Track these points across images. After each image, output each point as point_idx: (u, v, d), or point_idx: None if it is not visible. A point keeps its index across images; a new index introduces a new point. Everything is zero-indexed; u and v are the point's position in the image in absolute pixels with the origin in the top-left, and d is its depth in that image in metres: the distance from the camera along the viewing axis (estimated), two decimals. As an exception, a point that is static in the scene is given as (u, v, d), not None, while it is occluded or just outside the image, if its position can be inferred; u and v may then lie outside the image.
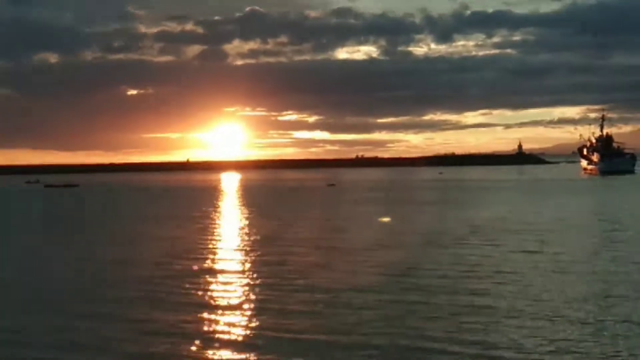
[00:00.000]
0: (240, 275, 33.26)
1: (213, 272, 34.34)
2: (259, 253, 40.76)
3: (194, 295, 28.65)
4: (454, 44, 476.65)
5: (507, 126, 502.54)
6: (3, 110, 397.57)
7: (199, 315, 25.05)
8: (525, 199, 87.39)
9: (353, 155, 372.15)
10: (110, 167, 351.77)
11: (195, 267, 35.70)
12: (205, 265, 36.85)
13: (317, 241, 46.33)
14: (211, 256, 39.99)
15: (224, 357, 20.36)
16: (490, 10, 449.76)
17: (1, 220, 73.53)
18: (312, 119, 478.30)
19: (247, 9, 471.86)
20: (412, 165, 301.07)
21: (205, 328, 23.36)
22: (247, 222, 62.52)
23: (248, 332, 22.85)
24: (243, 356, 20.26)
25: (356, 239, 46.67)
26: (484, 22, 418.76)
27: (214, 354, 20.64)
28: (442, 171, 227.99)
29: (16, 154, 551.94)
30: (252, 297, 28.16)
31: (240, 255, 40.22)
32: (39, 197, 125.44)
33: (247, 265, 36.27)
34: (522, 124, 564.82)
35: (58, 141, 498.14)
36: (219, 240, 48.92)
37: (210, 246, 44.80)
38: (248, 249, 43.20)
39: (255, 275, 32.98)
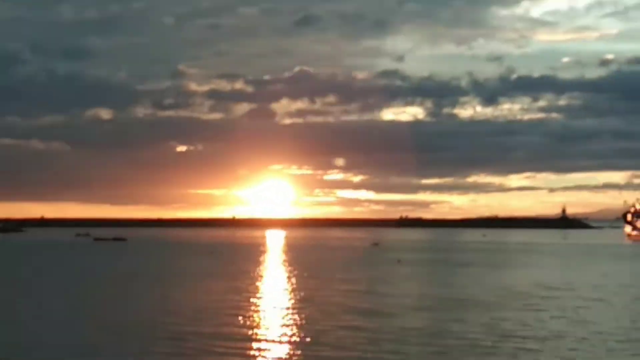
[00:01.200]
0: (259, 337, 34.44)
1: (237, 333, 35.02)
2: (289, 313, 41.71)
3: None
4: (499, 107, 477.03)
5: (551, 190, 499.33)
6: (55, 163, 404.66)
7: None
8: (565, 264, 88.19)
9: (397, 216, 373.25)
10: (157, 221, 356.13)
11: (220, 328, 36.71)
12: (231, 325, 37.81)
13: (346, 303, 47.91)
14: (241, 315, 40.75)
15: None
16: (536, 74, 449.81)
17: (49, 273, 75.97)
18: (357, 178, 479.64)
19: (296, 69, 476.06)
20: (455, 226, 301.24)
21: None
22: (286, 281, 64.01)
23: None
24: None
25: (388, 302, 47.94)
26: (529, 86, 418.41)
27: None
28: (485, 233, 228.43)
29: (66, 206, 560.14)
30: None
31: (268, 316, 41.14)
32: (89, 250, 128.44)
33: (272, 326, 37.39)
34: (566, 188, 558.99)
35: (107, 195, 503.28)
36: (251, 298, 49.85)
37: (243, 305, 45.70)
38: (279, 309, 44.20)
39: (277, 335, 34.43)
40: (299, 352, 29.84)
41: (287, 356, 29.13)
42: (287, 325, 36.98)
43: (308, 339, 32.63)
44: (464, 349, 29.93)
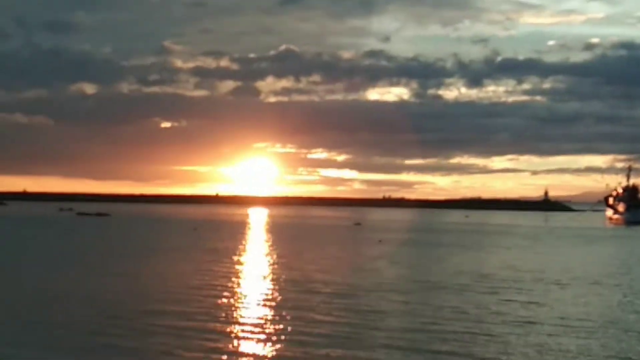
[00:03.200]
0: (234, 313, 35.08)
1: (199, 312, 35.17)
2: (257, 292, 41.83)
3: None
4: (484, 89, 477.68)
5: (534, 172, 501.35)
6: (39, 137, 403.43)
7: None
8: (545, 247, 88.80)
9: (380, 195, 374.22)
10: (140, 197, 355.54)
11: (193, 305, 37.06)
12: (213, 299, 38.63)
13: (314, 283, 48.19)
14: (207, 294, 40.81)
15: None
16: (521, 57, 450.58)
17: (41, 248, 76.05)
18: (341, 157, 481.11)
19: (282, 47, 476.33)
20: (438, 207, 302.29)
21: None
22: (263, 259, 64.18)
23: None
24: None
25: (357, 282, 48.18)
26: (514, 69, 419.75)
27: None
28: (467, 215, 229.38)
29: (49, 181, 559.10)
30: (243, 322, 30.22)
31: (234, 293, 41.31)
32: (72, 225, 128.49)
33: (245, 303, 37.97)
34: (549, 171, 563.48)
35: (90, 170, 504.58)
36: (223, 277, 49.92)
37: (212, 283, 45.65)
38: (250, 287, 44.55)
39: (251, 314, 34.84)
40: (253, 330, 29.88)
41: (240, 334, 29.11)
42: (249, 304, 37.08)
43: (268, 317, 32.82)
44: (416, 333, 29.65)
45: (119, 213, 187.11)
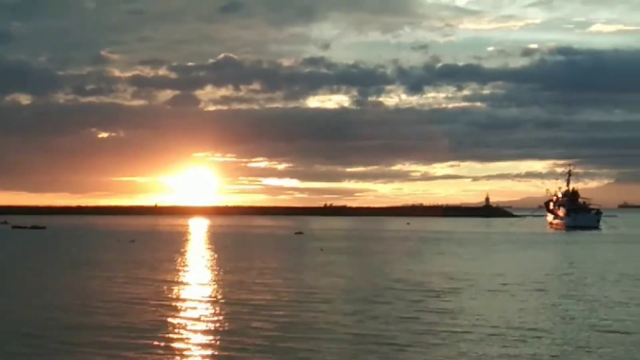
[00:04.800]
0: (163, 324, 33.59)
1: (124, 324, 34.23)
2: (188, 304, 40.91)
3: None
4: (424, 95, 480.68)
5: (475, 178, 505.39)
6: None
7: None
8: (484, 252, 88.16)
9: (322, 204, 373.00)
10: (77, 209, 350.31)
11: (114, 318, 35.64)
12: (122, 316, 37.01)
13: (246, 290, 46.78)
14: (139, 305, 39.92)
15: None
16: (460, 63, 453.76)
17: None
18: (282, 166, 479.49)
19: (221, 55, 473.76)
20: (380, 215, 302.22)
21: None
22: (200, 270, 62.92)
23: None
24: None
25: (287, 294, 46.82)
26: (454, 75, 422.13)
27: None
28: (409, 222, 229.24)
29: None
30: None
31: (166, 305, 40.23)
32: (9, 238, 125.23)
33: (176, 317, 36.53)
34: (490, 177, 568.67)
35: (26, 182, 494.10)
36: (156, 288, 48.77)
37: (143, 295, 44.75)
38: (184, 298, 43.58)
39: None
40: (171, 341, 29.01)
41: (162, 346, 28.25)
42: (175, 317, 35.93)
43: (192, 328, 32.18)
44: (337, 343, 28.93)
45: (55, 226, 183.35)
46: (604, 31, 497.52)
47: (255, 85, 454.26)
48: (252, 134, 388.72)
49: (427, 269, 63.38)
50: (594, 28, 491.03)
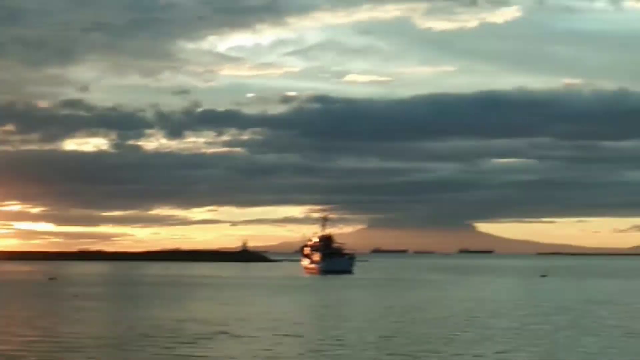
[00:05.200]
0: None
1: None
2: None
3: None
4: (184, 140, 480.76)
5: (234, 223, 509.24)
6: None
7: None
8: (236, 297, 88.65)
9: (77, 248, 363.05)
10: None
11: None
12: None
13: None
14: None
15: None
16: (221, 109, 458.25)
17: None
18: (36, 209, 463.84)
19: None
20: (137, 259, 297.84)
21: None
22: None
23: None
24: None
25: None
26: (214, 120, 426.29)
27: None
28: (168, 267, 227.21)
29: None
30: None
31: None
32: None
33: None
34: (248, 222, 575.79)
35: None
36: None
37: None
38: None
39: None
40: None
41: None
42: None
43: None
44: None
45: None
46: (358, 81, 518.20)
47: (10, 127, 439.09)
48: (5, 176, 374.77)
49: (183, 315, 63.03)
50: (349, 78, 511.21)
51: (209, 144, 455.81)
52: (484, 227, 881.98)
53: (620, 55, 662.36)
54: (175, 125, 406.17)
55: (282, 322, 56.64)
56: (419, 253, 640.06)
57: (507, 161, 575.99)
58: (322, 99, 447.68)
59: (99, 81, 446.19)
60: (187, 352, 39.65)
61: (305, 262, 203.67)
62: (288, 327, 52.92)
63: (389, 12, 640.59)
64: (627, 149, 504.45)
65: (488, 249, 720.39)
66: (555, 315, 63.57)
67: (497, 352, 40.59)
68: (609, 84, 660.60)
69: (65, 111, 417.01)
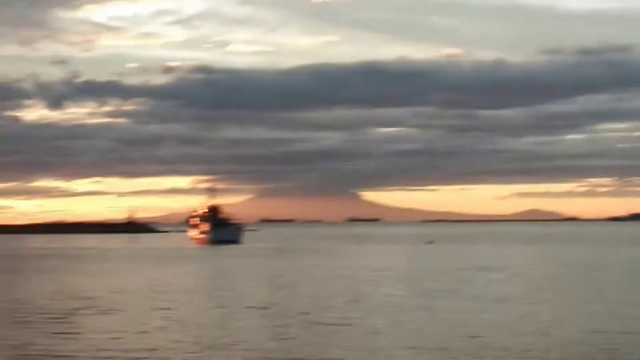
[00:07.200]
0: None
1: None
2: None
3: None
4: (65, 110, 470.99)
5: (119, 195, 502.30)
6: None
7: None
8: (122, 269, 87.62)
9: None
10: None
11: None
12: None
13: None
14: None
15: None
16: (101, 79, 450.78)
17: None
18: None
19: None
20: (20, 232, 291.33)
21: None
22: None
23: None
24: None
25: None
26: (95, 91, 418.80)
27: None
28: (52, 239, 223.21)
29: None
30: None
31: None
32: None
33: None
34: (134, 193, 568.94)
35: None
36: None
37: None
38: None
39: None
40: None
41: None
42: None
43: None
44: None
45: None
46: (241, 51, 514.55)
47: None
48: None
49: (58, 288, 61.80)
50: (231, 48, 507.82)
51: (91, 114, 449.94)
52: (370, 195, 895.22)
53: (499, 25, 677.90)
54: (55, 96, 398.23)
55: (160, 294, 56.05)
56: (307, 222, 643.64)
57: (390, 130, 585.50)
58: (205, 69, 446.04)
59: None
60: (52, 329, 38.63)
61: (193, 232, 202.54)
62: (164, 299, 52.20)
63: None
64: (505, 117, 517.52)
65: (375, 217, 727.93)
66: (430, 282, 64.30)
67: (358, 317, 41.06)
68: (487, 54, 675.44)
69: None
